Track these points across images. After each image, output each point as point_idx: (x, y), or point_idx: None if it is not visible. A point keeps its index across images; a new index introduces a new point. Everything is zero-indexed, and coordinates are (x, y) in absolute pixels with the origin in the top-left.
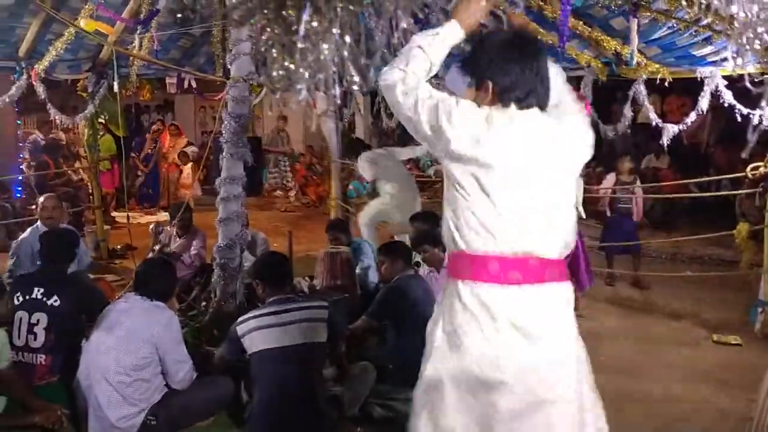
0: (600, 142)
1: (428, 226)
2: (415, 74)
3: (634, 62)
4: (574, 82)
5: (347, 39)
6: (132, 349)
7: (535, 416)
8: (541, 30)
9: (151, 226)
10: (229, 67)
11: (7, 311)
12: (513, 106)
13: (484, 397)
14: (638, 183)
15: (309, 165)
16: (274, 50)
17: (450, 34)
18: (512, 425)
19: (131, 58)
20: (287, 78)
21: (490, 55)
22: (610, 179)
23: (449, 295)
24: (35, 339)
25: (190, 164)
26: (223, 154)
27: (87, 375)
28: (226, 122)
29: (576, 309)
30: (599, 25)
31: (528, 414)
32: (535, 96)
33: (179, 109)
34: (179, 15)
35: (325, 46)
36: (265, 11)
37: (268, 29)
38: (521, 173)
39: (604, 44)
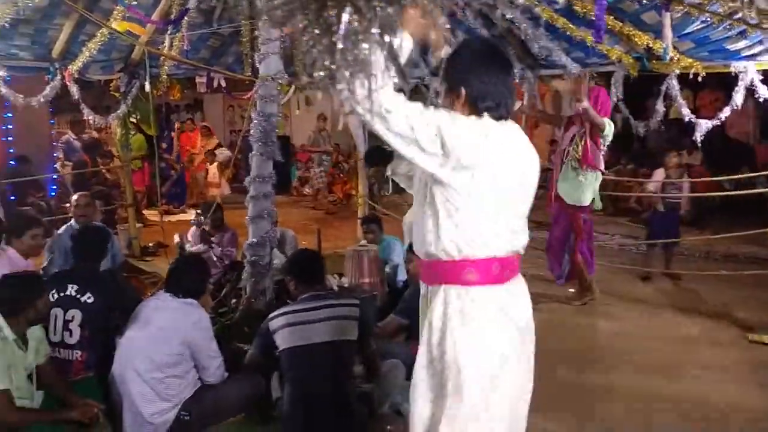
0: (631, 137)
1: None
2: (390, 87)
3: (668, 57)
4: (605, 78)
5: (387, 38)
6: (163, 346)
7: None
8: (572, 26)
9: (176, 239)
10: (257, 66)
11: (43, 308)
12: (486, 116)
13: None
14: (686, 177)
15: (336, 163)
16: (314, 50)
17: (404, 46)
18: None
19: (162, 58)
20: (328, 78)
21: (465, 63)
22: (658, 174)
23: (452, 302)
24: (70, 335)
25: (216, 163)
26: (253, 152)
27: (121, 371)
28: (255, 121)
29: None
30: (630, 19)
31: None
32: (505, 107)
33: (208, 108)
34: (220, 12)
35: (365, 45)
36: (306, 12)
37: (308, 30)
38: (514, 176)
39: (636, 39)
